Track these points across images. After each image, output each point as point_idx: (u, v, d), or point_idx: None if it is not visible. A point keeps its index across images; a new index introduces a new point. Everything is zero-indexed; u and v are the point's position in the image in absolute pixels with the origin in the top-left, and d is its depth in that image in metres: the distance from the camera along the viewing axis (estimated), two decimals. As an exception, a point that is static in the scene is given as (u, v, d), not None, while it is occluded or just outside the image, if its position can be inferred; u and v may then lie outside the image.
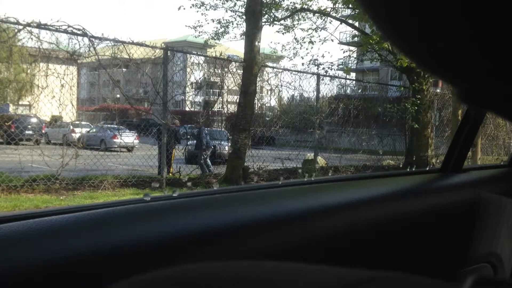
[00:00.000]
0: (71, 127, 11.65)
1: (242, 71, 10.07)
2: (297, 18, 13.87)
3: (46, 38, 8.31)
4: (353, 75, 22.47)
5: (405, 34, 0.30)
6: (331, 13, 13.40)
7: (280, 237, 1.06)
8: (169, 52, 9.67)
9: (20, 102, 11.42)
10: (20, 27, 7.88)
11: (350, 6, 12.58)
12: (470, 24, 0.26)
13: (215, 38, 14.70)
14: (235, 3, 13.74)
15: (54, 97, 9.14)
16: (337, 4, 13.23)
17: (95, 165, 9.12)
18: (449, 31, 0.28)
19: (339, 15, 13.90)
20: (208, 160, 11.16)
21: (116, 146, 13.00)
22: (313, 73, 12.46)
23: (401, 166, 12.60)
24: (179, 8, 13.60)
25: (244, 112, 9.53)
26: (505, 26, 0.25)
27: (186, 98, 15.58)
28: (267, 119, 14.69)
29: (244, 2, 11.57)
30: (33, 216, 0.89)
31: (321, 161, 12.09)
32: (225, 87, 11.82)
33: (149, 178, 9.28)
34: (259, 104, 15.13)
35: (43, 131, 12.71)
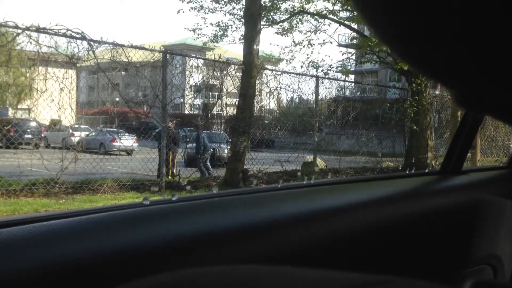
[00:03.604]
0: (70, 130, 11.64)
1: (241, 74, 10.08)
2: (295, 20, 13.90)
3: (45, 41, 8.32)
4: (352, 77, 22.51)
5: (398, 35, 0.30)
6: (329, 15, 13.43)
7: (279, 241, 1.06)
8: (168, 55, 9.67)
9: (19, 106, 11.41)
10: (19, 31, 7.88)
11: (348, 8, 12.61)
12: (459, 26, 0.26)
13: (214, 41, 14.73)
14: (234, 7, 13.78)
15: (53, 101, 9.13)
16: (335, 6, 13.27)
17: (95, 168, 9.11)
18: (438, 32, 0.28)
19: (338, 17, 13.93)
20: (208, 163, 11.16)
21: (116, 149, 13.00)
22: (312, 76, 12.48)
23: (400, 168, 12.60)
24: (178, 12, 13.63)
25: (243, 115, 9.53)
26: (492, 27, 0.26)
27: (185, 101, 15.59)
28: (266, 121, 14.69)
29: (243, 5, 11.59)
30: (33, 220, 0.89)
31: (320, 163, 12.09)
32: (224, 90, 11.82)
33: (149, 181, 9.28)
34: (258, 107, 15.14)
35: (42, 135, 12.71)
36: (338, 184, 1.73)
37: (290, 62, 15.23)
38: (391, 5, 0.28)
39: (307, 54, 16.77)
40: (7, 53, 8.35)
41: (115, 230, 0.90)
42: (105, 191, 8.44)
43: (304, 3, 13.11)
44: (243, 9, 11.25)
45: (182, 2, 13.85)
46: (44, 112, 9.53)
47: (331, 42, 15.61)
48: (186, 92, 13.38)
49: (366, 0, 0.30)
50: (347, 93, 16.76)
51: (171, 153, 10.08)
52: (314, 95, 12.14)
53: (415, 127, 12.42)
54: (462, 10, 0.26)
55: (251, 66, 9.50)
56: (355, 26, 13.66)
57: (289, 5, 13.57)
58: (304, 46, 14.11)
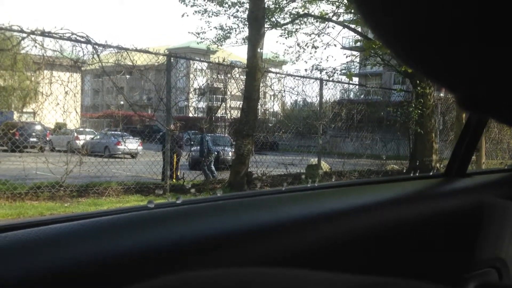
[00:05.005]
0: (75, 134, 11.70)
1: (245, 77, 10.09)
2: (299, 22, 13.91)
3: (50, 45, 8.35)
4: (356, 79, 22.50)
5: (399, 37, 0.30)
6: (333, 18, 13.43)
7: (283, 243, 1.06)
8: (172, 58, 9.70)
9: (25, 110, 11.47)
10: (24, 35, 7.92)
11: (352, 11, 12.61)
12: (459, 25, 0.27)
13: (217, 43, 14.75)
14: (238, 9, 13.80)
15: (58, 104, 9.18)
16: (338, 9, 13.28)
17: (99, 172, 9.14)
18: (439, 32, 0.28)
19: (342, 19, 13.93)
20: (212, 166, 11.16)
21: (120, 152, 13.03)
22: (316, 78, 12.47)
23: (405, 170, 12.57)
24: (182, 15, 13.67)
25: (247, 118, 9.53)
26: (492, 28, 0.26)
27: (190, 104, 15.62)
28: (271, 124, 14.69)
29: (247, 8, 11.61)
30: (38, 224, 0.89)
31: (324, 166, 12.08)
32: (228, 93, 11.83)
33: (153, 184, 9.30)
34: (262, 110, 15.14)
35: (47, 138, 12.76)
36: (343, 187, 1.73)
37: (294, 63, 15.49)
38: (390, 7, 0.28)
39: (310, 53, 16.83)
40: (13, 57, 8.39)
41: (120, 233, 0.91)
42: (110, 194, 8.46)
43: (307, 4, 13.13)
44: (246, 12, 11.27)
45: (186, 6, 13.90)
46: (49, 116, 9.57)
47: (335, 45, 15.64)
48: (190, 95, 13.41)
49: (366, 2, 0.30)
50: (351, 95, 16.75)
51: (175, 156, 10.09)
52: (318, 98, 12.14)
53: (419, 129, 12.39)
54: (462, 10, 0.26)
55: (255, 69, 9.50)
56: (359, 29, 13.66)
57: (292, 8, 13.60)
58: (308, 47, 14.12)
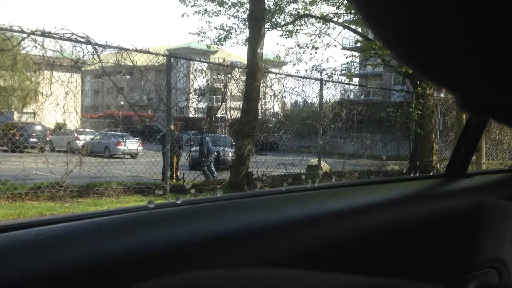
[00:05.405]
0: (75, 134, 11.69)
1: (245, 77, 10.09)
2: (299, 23, 13.91)
3: (50, 46, 8.36)
4: (356, 80, 22.48)
5: (399, 36, 0.30)
6: (333, 18, 13.43)
7: (283, 243, 1.06)
8: (172, 59, 9.70)
9: (25, 110, 11.48)
10: (25, 35, 7.92)
11: (352, 11, 12.61)
12: (460, 25, 0.27)
13: (218, 43, 14.76)
14: (238, 9, 13.81)
15: (58, 105, 9.18)
16: (339, 10, 13.28)
17: (99, 172, 9.14)
18: (439, 32, 0.28)
19: (342, 20, 13.93)
20: (212, 166, 11.17)
21: (120, 153, 13.02)
22: (316, 79, 12.47)
23: (405, 171, 12.57)
24: (182, 15, 13.67)
25: (248, 118, 9.53)
26: (492, 28, 0.26)
27: (190, 105, 15.62)
28: (271, 125, 14.69)
29: (247, 8, 11.61)
30: (38, 224, 0.89)
31: (325, 166, 12.08)
32: (228, 93, 11.84)
33: (153, 184, 9.31)
34: (263, 110, 15.14)
35: (47, 139, 12.77)
36: (343, 187, 1.73)
37: (296, 64, 15.48)
38: (391, 7, 0.28)
39: (311, 54, 16.84)
40: (13, 57, 8.40)
41: (120, 233, 0.91)
42: (110, 195, 8.46)
43: (308, 6, 13.14)
44: (247, 12, 11.27)
45: (187, 6, 13.90)
46: (49, 116, 9.58)
47: (335, 46, 15.65)
48: (191, 95, 13.41)
49: (366, 2, 0.30)
50: (352, 96, 16.75)
51: (175, 156, 10.09)
52: (318, 98, 12.14)
53: (419, 130, 12.39)
54: (463, 10, 0.26)
55: (255, 69, 9.50)
56: (359, 29, 13.66)
57: (293, 8, 13.61)
58: (308, 47, 14.13)
